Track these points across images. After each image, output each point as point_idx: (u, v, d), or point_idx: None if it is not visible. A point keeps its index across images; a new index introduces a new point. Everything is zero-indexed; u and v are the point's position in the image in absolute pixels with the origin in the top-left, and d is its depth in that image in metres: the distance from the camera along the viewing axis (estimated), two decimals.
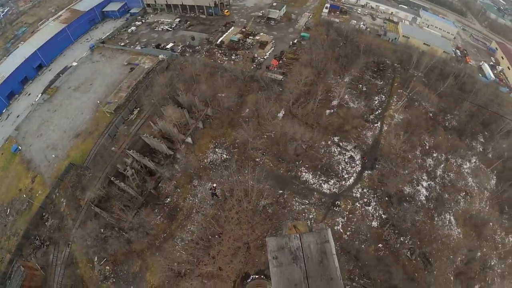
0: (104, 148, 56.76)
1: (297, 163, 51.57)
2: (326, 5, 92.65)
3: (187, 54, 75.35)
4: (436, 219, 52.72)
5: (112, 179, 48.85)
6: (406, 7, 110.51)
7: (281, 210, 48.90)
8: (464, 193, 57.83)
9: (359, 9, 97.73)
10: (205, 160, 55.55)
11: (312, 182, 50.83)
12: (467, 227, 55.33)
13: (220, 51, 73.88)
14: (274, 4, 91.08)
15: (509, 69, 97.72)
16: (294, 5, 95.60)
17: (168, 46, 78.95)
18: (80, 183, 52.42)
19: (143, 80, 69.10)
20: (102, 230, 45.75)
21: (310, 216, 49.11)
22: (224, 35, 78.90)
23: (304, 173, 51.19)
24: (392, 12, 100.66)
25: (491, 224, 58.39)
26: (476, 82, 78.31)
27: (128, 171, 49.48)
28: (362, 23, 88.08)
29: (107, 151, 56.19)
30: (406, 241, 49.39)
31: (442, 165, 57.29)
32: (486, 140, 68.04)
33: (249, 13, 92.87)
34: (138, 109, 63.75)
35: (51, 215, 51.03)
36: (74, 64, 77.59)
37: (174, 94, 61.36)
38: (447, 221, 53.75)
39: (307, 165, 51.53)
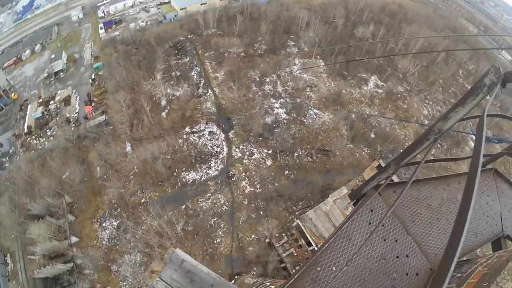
0: None
1: (174, 173, 52.91)
2: (100, 25, 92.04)
3: (6, 165, 66.31)
4: (305, 120, 62.46)
5: None
6: None
7: (197, 219, 50.31)
8: (309, 88, 69.55)
9: (131, 11, 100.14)
10: (103, 242, 52.12)
11: (199, 177, 53.31)
12: (330, 107, 67.36)
13: (33, 137, 67.71)
14: (53, 56, 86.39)
15: None
16: (71, 45, 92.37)
17: None
18: None
19: None
20: None
21: (221, 201, 52.12)
22: (27, 119, 72.10)
23: (187, 176, 53.07)
24: None
25: (343, 91, 72.33)
26: (260, 5, 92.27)
27: None
28: (139, 21, 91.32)
29: None
30: (300, 153, 57.43)
31: (278, 82, 67.30)
32: (295, 41, 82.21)
33: (35, 80, 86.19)
34: (8, 255, 54.37)
35: None
36: None
37: (25, 212, 54.17)
38: (314, 116, 64.28)
39: (184, 168, 53.51)
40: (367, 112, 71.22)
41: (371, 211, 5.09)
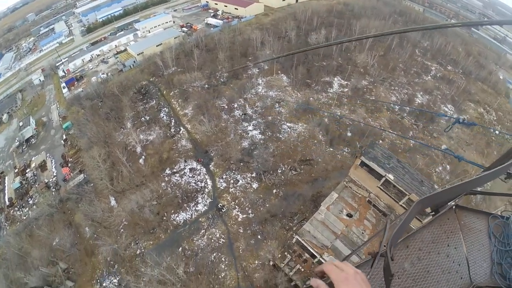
0: None
1: (164, 218, 52.98)
2: (62, 85, 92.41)
3: None
4: (281, 136, 64.68)
5: None
6: (122, 32, 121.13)
7: (197, 259, 49.39)
8: (277, 104, 72.46)
9: (90, 65, 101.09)
10: None
11: (190, 216, 53.46)
12: (301, 117, 70.02)
13: (16, 208, 66.29)
14: (21, 124, 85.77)
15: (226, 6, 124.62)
16: (37, 109, 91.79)
17: None
18: None
19: None
20: None
21: (217, 235, 52.34)
22: (7, 191, 70.76)
23: (177, 218, 53.22)
24: (115, 45, 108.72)
25: (311, 98, 75.46)
26: (213, 35, 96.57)
27: None
28: (100, 74, 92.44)
29: None
30: (283, 169, 58.94)
31: (247, 105, 70.17)
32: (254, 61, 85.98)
33: (8, 151, 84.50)
34: None
35: None
36: None
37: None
38: (289, 129, 66.46)
39: (172, 211, 53.73)
40: (338, 113, 74.24)
41: None
